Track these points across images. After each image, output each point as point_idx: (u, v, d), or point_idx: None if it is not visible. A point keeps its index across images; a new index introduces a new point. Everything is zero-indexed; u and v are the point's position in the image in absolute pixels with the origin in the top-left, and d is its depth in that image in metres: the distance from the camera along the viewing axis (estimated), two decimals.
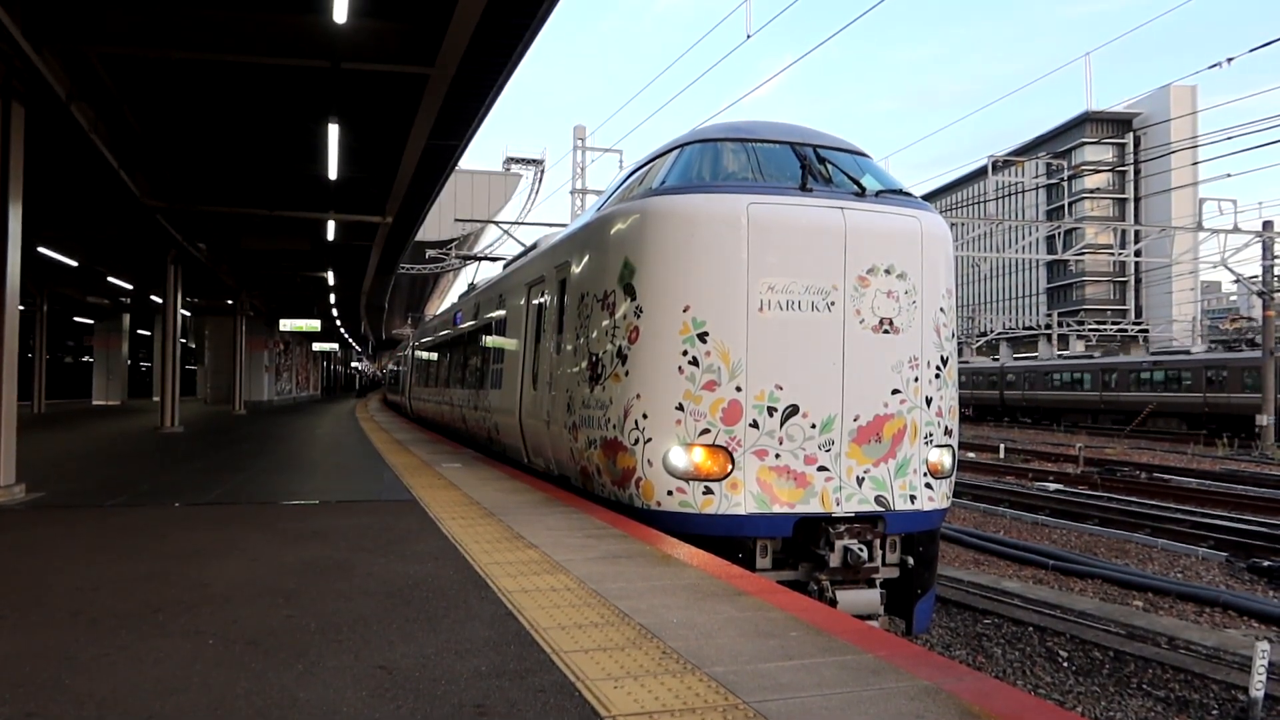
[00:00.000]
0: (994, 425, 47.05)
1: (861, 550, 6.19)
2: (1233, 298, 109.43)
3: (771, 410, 6.22)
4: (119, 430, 19.48)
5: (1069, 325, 62.84)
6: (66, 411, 29.01)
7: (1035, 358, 58.25)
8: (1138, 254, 43.82)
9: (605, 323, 6.94)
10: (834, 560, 6.20)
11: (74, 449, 14.20)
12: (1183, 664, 7.32)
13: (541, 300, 9.22)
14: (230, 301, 30.45)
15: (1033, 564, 11.16)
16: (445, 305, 34.72)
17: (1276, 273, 30.58)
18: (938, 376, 6.65)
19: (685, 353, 6.26)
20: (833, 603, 6.08)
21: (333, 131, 11.55)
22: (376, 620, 3.91)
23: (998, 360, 56.98)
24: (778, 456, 6.24)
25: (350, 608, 4.12)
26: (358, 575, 4.81)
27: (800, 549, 6.37)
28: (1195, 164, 43.21)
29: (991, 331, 65.02)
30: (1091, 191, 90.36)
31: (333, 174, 13.48)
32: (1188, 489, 17.96)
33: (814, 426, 6.26)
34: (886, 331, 6.44)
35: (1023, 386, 47.25)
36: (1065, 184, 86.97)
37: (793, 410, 6.24)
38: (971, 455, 25.50)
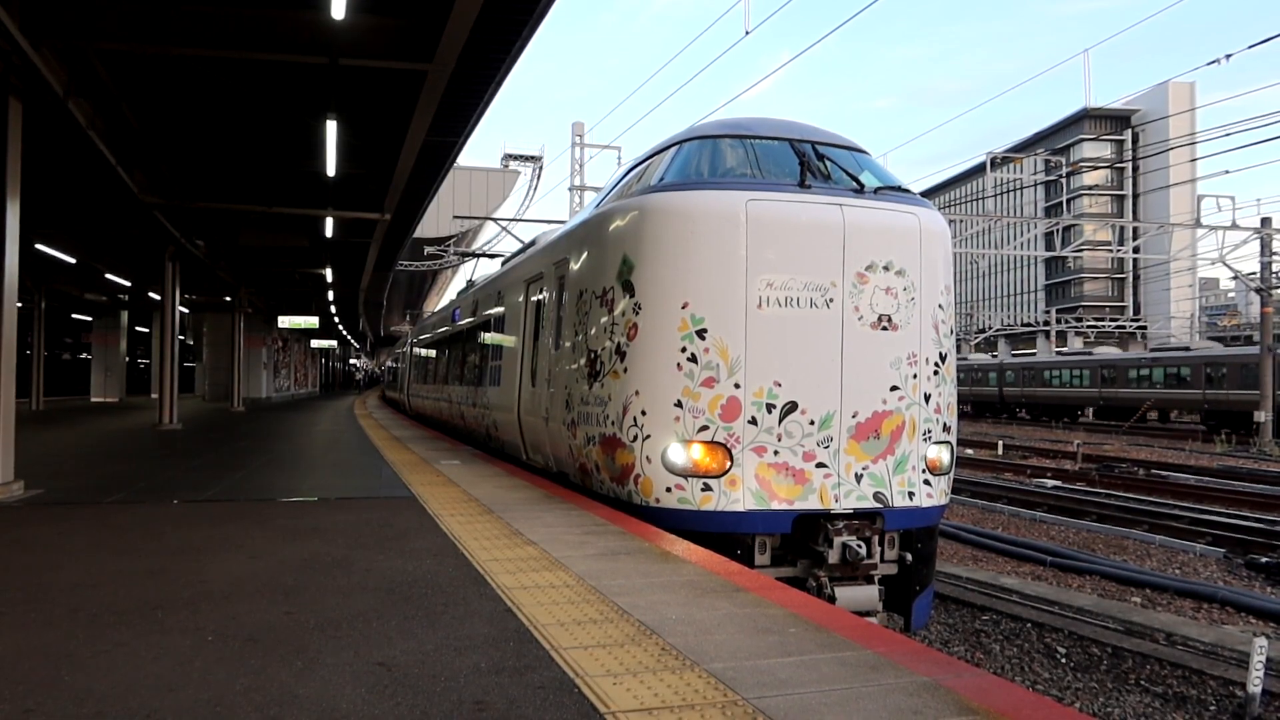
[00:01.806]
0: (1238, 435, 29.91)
1: (860, 547, 6.20)
2: (1231, 294, 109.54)
3: (770, 407, 6.21)
4: (117, 427, 19.46)
5: (1067, 322, 62.90)
6: (64, 409, 28.98)
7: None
8: (1136, 250, 43.81)
9: (604, 319, 6.93)
10: (833, 557, 6.21)
11: (72, 446, 14.18)
12: (1180, 660, 7.33)
13: (540, 297, 9.21)
14: (228, 298, 30.42)
15: (1031, 560, 11.17)
16: (443, 302, 34.69)
17: (1275, 269, 30.60)
18: (936, 373, 6.65)
19: (684, 349, 6.25)
20: (831, 599, 6.09)
21: (331, 128, 11.53)
22: (375, 617, 3.91)
23: (1250, 345, 34.39)
24: (776, 453, 6.24)
25: (349, 604, 4.12)
26: (356, 572, 4.81)
27: (799, 546, 6.38)
28: (1193, 160, 43.14)
29: (990, 328, 65.05)
30: (1090, 188, 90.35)
31: (331, 170, 13.47)
32: (1185, 485, 17.98)
33: (813, 423, 6.26)
34: (885, 328, 6.43)
35: None
36: (1064, 180, 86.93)
37: (791, 407, 6.24)
38: (970, 452, 25.53)
